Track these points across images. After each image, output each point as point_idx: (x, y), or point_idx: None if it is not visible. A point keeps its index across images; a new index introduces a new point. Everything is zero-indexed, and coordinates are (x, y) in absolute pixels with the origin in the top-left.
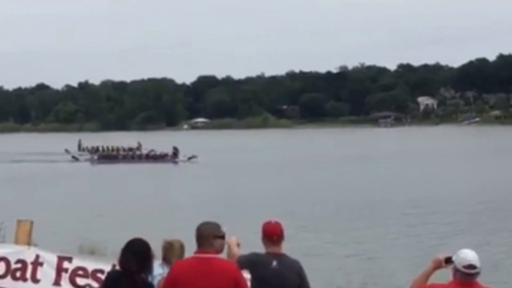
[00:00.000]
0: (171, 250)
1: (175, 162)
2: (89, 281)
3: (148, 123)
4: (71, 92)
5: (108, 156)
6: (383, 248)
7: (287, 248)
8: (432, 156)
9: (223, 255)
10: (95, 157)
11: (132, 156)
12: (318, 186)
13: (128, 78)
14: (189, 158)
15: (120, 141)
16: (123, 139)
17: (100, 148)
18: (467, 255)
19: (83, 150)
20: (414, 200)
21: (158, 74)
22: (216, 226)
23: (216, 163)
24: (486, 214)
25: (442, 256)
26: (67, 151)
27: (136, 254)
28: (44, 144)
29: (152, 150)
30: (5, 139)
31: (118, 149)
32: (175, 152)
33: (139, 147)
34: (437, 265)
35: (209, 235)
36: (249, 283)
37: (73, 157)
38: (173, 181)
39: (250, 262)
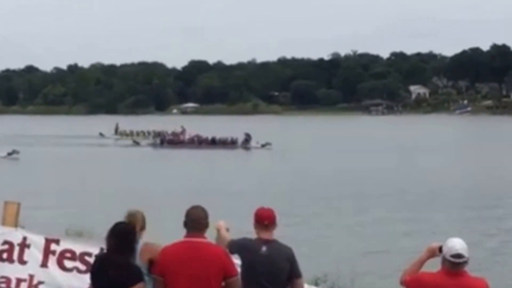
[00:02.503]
0: (135, 221)
1: (247, 149)
2: (77, 263)
3: (137, 107)
4: (60, 74)
5: (172, 141)
6: (374, 237)
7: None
8: (421, 146)
9: (212, 240)
10: (158, 141)
11: (199, 141)
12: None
13: (118, 62)
14: (263, 145)
15: (159, 125)
16: (124, 123)
17: (139, 133)
18: (455, 244)
19: (121, 134)
20: (403, 189)
21: (148, 58)
22: (206, 211)
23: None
24: (475, 202)
25: (436, 244)
26: (101, 134)
27: (119, 237)
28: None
29: (196, 135)
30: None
31: (162, 134)
32: (247, 139)
33: (183, 132)
34: (431, 254)
35: (200, 219)
36: (239, 269)
37: (134, 141)
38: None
39: (240, 247)
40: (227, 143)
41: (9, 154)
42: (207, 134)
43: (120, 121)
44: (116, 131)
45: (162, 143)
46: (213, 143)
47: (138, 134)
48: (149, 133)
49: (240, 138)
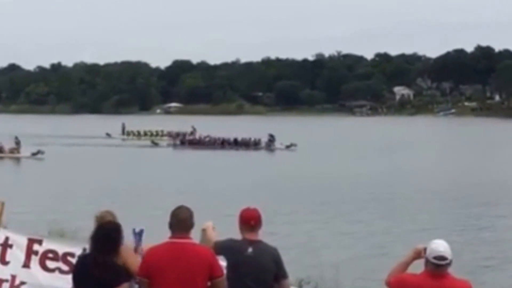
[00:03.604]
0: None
1: (271, 150)
2: (59, 264)
3: (121, 107)
4: (43, 73)
5: (193, 142)
6: (358, 240)
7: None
8: (404, 147)
9: (197, 240)
10: (178, 142)
11: (221, 142)
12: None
13: (101, 61)
14: (288, 146)
15: (164, 125)
16: (112, 123)
17: (146, 133)
18: (438, 246)
19: (128, 134)
20: (387, 192)
21: (132, 57)
22: (191, 211)
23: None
24: (459, 204)
25: (421, 246)
26: (108, 134)
27: (105, 237)
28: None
29: (207, 136)
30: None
31: (175, 134)
32: (271, 140)
33: (193, 132)
34: (417, 255)
35: (185, 219)
36: (225, 270)
37: (153, 141)
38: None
39: (225, 248)
40: (250, 144)
41: (34, 154)
42: (217, 134)
43: (106, 120)
44: (123, 131)
45: (182, 143)
46: (236, 144)
47: (146, 134)
48: (157, 133)
49: (264, 139)
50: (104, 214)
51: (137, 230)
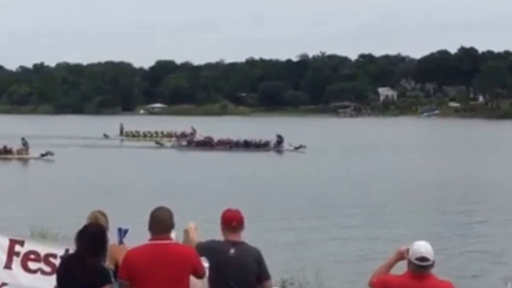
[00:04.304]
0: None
1: (280, 151)
2: (41, 265)
3: (104, 107)
4: (26, 73)
5: (200, 143)
6: (342, 241)
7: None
8: (388, 148)
9: (180, 241)
10: (184, 143)
11: (229, 143)
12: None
13: (84, 61)
14: (297, 148)
15: (141, 126)
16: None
17: (145, 134)
18: (420, 248)
19: (127, 135)
20: (371, 193)
21: (115, 57)
22: (170, 212)
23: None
24: (442, 205)
25: (404, 247)
26: (106, 135)
27: (89, 239)
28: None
29: (208, 137)
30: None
31: (180, 135)
32: (280, 141)
33: (193, 133)
34: (400, 256)
35: (165, 220)
36: (207, 272)
37: (157, 142)
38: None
39: (208, 249)
40: (259, 146)
41: (43, 155)
42: (217, 136)
43: (88, 121)
44: (121, 132)
45: (188, 144)
46: (245, 145)
47: (145, 135)
48: (156, 133)
49: (272, 140)
50: (96, 215)
51: (123, 228)
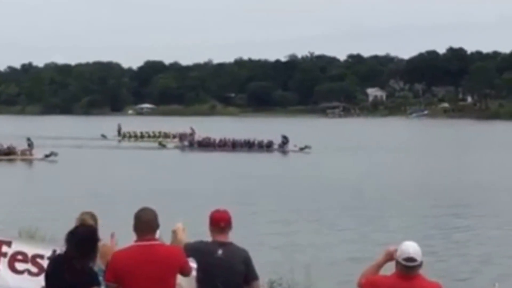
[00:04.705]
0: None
1: (284, 152)
2: (28, 266)
3: (92, 108)
4: (14, 74)
5: (202, 144)
6: (328, 241)
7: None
8: (377, 148)
9: (167, 242)
10: (186, 143)
11: (232, 144)
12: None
13: (73, 61)
14: (301, 149)
15: (156, 127)
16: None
17: (143, 134)
18: (408, 248)
19: (124, 135)
20: (358, 192)
21: (104, 57)
22: (155, 212)
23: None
24: (425, 205)
25: (393, 248)
26: (103, 136)
27: (78, 240)
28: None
29: (207, 137)
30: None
31: (171, 135)
32: (284, 141)
33: (192, 133)
34: (389, 257)
35: (150, 221)
36: (194, 273)
37: (160, 143)
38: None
39: (195, 250)
40: (263, 146)
41: (47, 156)
42: (215, 136)
43: (77, 121)
44: (119, 132)
45: (191, 145)
46: (248, 145)
47: (143, 136)
48: (154, 134)
49: (277, 140)
50: (85, 217)
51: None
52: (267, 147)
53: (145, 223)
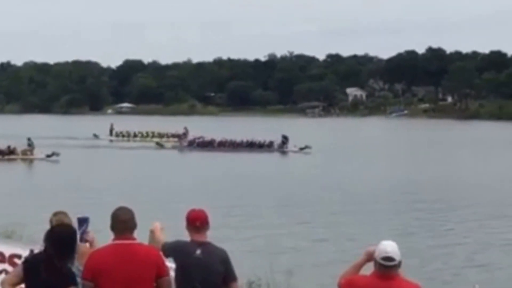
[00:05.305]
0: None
1: (284, 152)
2: (5, 266)
3: (71, 107)
4: None
5: (201, 144)
6: (309, 241)
7: None
8: (356, 148)
9: (145, 242)
10: (185, 144)
11: (232, 144)
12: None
13: (51, 60)
14: (301, 149)
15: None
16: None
17: (136, 134)
18: (386, 247)
19: (117, 135)
20: (337, 192)
21: (83, 56)
22: (132, 212)
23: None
24: (406, 205)
25: (373, 248)
26: (95, 135)
27: (56, 240)
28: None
29: (201, 137)
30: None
31: (164, 135)
32: (284, 141)
33: (185, 133)
34: (369, 257)
35: (128, 220)
36: (172, 273)
37: (158, 143)
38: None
39: (174, 249)
40: (263, 146)
41: (48, 156)
42: (209, 136)
43: (56, 121)
44: (111, 132)
45: (190, 145)
46: (248, 145)
47: (135, 135)
48: (147, 134)
49: (277, 140)
50: (60, 216)
51: (81, 217)
52: (267, 147)
53: (122, 222)
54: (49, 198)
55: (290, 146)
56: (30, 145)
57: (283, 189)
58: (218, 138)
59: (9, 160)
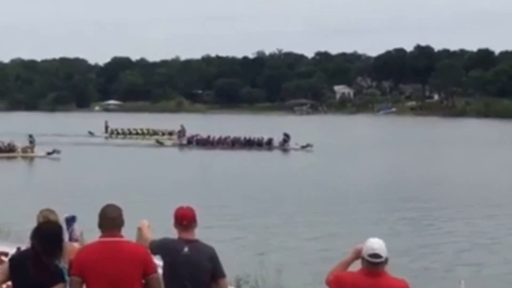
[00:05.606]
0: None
1: (285, 150)
2: None
3: (58, 104)
4: None
5: (201, 142)
6: (298, 239)
7: None
8: (342, 146)
9: (133, 239)
10: (184, 141)
11: (232, 142)
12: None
13: (38, 57)
14: (303, 147)
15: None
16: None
17: (131, 131)
18: (373, 244)
19: (112, 132)
20: (329, 191)
21: (70, 53)
22: (120, 209)
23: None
24: (396, 203)
25: (360, 245)
26: (91, 133)
27: (43, 237)
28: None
29: (197, 134)
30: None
31: (160, 132)
32: (286, 139)
33: (182, 131)
34: (357, 255)
35: (116, 218)
36: (160, 270)
37: (157, 141)
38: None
39: (161, 247)
40: (263, 144)
41: (49, 153)
42: (205, 133)
43: (43, 118)
44: (107, 129)
45: (189, 143)
46: (248, 143)
47: (131, 132)
48: (142, 131)
49: (278, 138)
50: (46, 213)
51: (68, 216)
52: (267, 144)
53: (110, 219)
54: (43, 196)
55: (292, 144)
56: (32, 142)
57: (280, 188)
58: (216, 135)
59: (9, 158)
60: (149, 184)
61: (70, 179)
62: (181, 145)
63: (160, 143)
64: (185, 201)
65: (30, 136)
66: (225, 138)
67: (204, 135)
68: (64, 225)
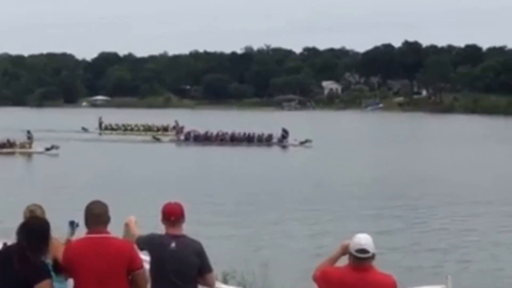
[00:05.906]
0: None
1: (284, 146)
2: None
3: (45, 100)
4: None
5: (199, 137)
6: (286, 235)
7: None
8: (330, 141)
9: (119, 235)
10: (182, 137)
11: (230, 138)
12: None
13: (26, 52)
14: (302, 142)
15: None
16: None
17: (126, 127)
18: (360, 240)
19: (106, 128)
20: (316, 186)
21: (57, 49)
22: (106, 205)
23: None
24: (385, 200)
25: (348, 241)
26: (84, 129)
27: (30, 233)
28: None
29: (194, 130)
30: None
31: (154, 128)
32: (284, 135)
33: (176, 126)
34: (344, 250)
35: (101, 214)
36: (147, 265)
37: (154, 137)
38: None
39: (148, 243)
40: (262, 140)
41: (47, 149)
42: (201, 129)
43: (31, 114)
44: (100, 125)
45: (187, 139)
46: (247, 139)
47: (125, 128)
48: (137, 127)
49: (276, 134)
50: (33, 208)
51: (76, 221)
52: (266, 141)
53: (96, 216)
54: (40, 193)
55: (291, 140)
56: (30, 138)
57: (277, 184)
58: (214, 131)
59: (7, 154)
60: (146, 181)
61: (69, 176)
62: (178, 141)
63: (156, 139)
64: (178, 197)
65: (28, 132)
66: (223, 134)
67: (201, 131)
68: (68, 228)
